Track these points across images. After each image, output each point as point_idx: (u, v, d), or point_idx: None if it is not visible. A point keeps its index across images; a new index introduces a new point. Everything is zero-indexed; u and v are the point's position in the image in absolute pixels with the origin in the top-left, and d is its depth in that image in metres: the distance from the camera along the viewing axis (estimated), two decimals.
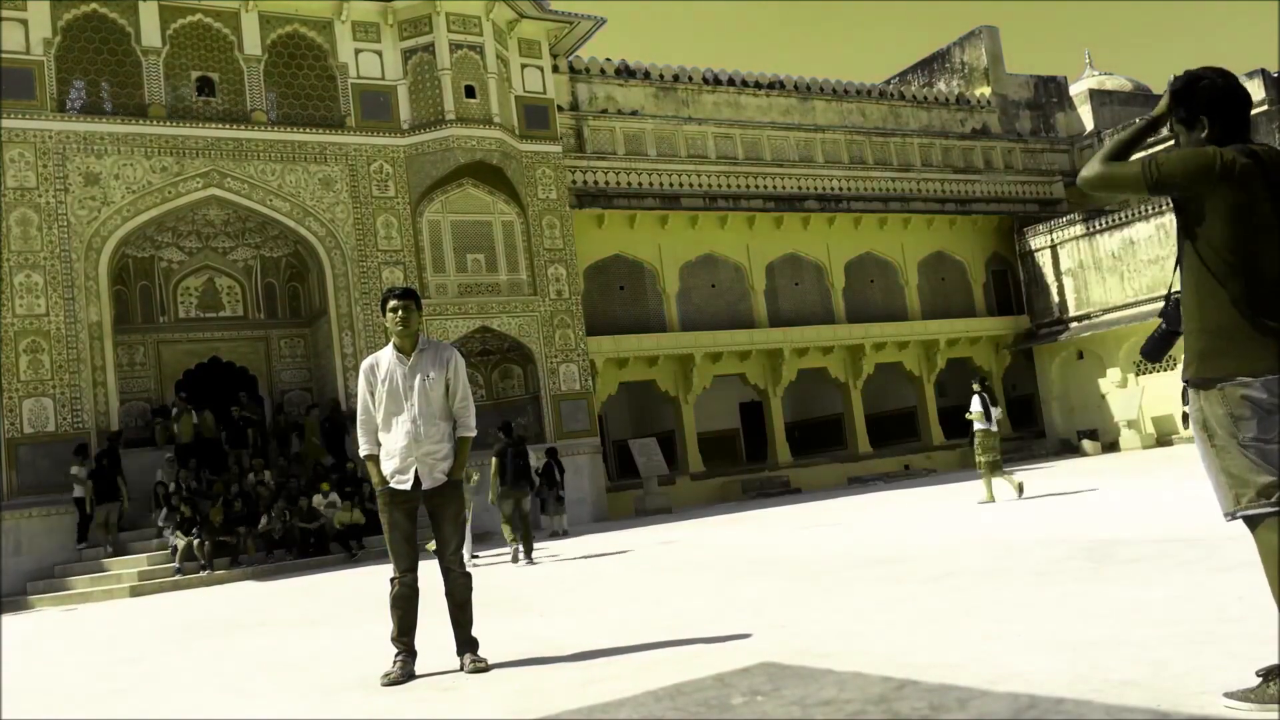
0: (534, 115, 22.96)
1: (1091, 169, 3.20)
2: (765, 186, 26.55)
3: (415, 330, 5.36)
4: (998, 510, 12.14)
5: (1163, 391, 26.06)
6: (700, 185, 25.70)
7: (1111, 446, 26.32)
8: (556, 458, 18.92)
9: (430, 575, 5.31)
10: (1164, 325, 3.33)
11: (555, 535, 17.76)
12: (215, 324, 21.34)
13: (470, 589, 5.29)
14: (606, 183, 24.63)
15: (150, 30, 19.55)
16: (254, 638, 8.02)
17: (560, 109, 24.16)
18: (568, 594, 8.52)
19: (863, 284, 28.43)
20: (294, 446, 19.77)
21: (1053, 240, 28.86)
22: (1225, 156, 3.00)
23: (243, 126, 20.03)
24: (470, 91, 21.58)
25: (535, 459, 18.89)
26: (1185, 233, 3.12)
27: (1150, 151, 3.20)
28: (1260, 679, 3.03)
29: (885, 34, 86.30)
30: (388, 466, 5.28)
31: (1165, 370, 26.25)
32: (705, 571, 9.11)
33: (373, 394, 5.35)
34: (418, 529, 5.39)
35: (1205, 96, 3.11)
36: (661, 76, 26.70)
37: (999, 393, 29.28)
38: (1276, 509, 2.98)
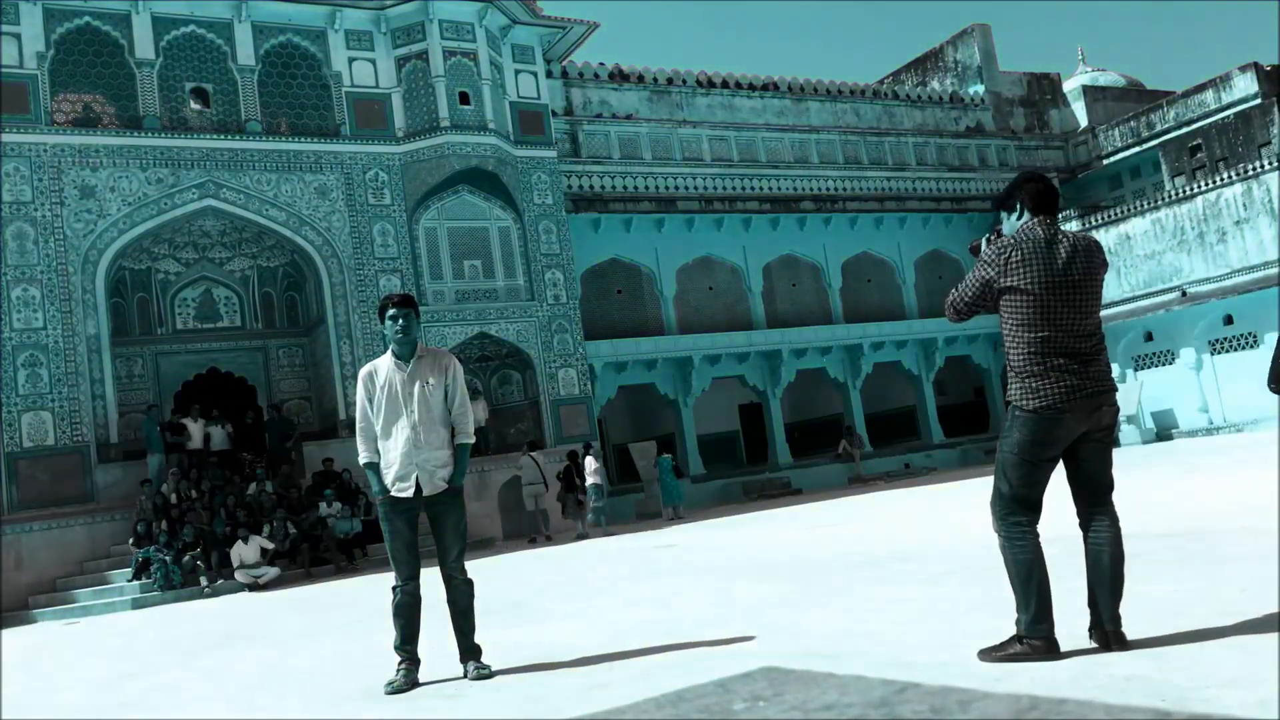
0: (528, 121, 22.98)
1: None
2: (761, 188, 26.56)
3: (415, 338, 5.37)
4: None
5: (1161, 387, 26.10)
6: (696, 188, 25.72)
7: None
8: (576, 461, 18.99)
9: (432, 583, 5.31)
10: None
11: (580, 537, 17.78)
12: (213, 335, 21.34)
13: (472, 596, 5.29)
14: (602, 187, 24.65)
15: (144, 42, 19.56)
16: (257, 649, 8.01)
17: (555, 114, 24.19)
18: (569, 599, 8.52)
19: (860, 284, 28.45)
20: None
21: None
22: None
23: (237, 137, 20.04)
24: (464, 98, 21.60)
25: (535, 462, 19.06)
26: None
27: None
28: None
29: (878, 34, 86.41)
30: (388, 474, 5.28)
31: (1164, 365, 26.27)
32: (707, 574, 9.11)
33: (371, 401, 5.35)
34: (418, 536, 5.40)
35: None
36: (655, 80, 26.73)
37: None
38: None
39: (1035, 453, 3.94)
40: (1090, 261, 3.93)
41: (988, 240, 4.11)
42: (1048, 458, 3.97)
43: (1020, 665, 3.84)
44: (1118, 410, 4.06)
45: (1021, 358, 3.91)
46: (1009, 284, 3.89)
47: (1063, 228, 3.98)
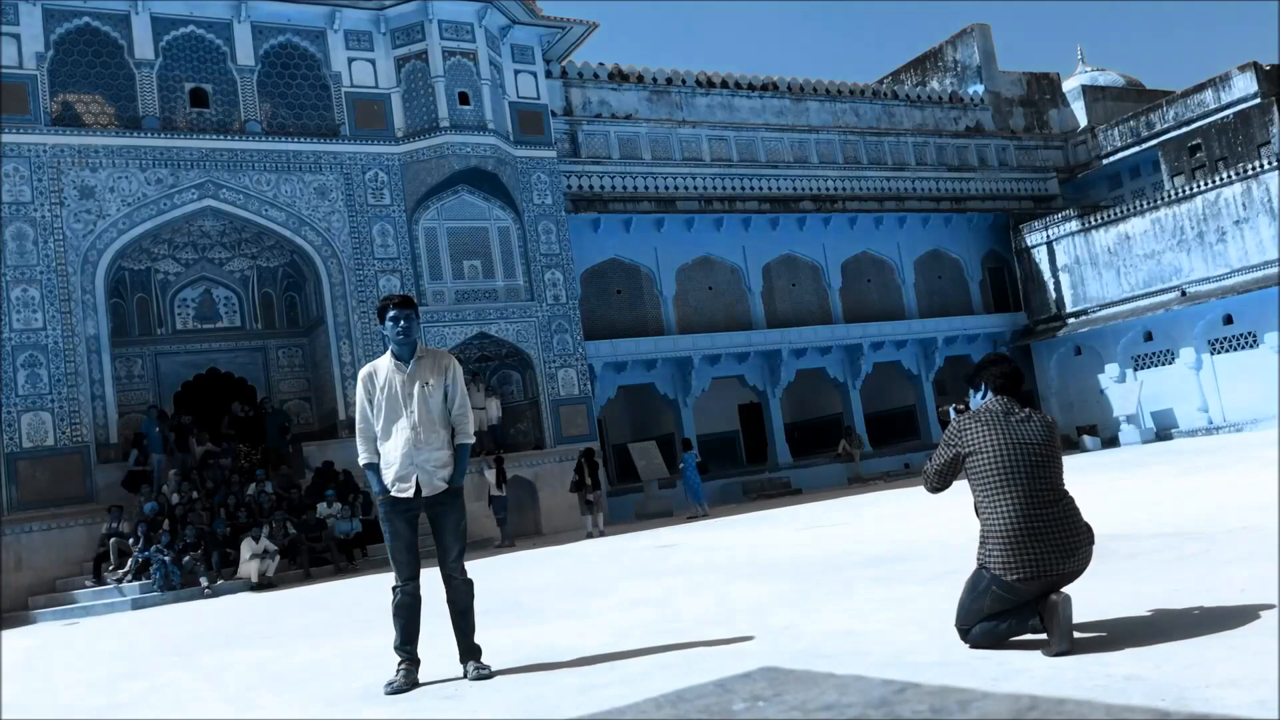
0: (528, 121, 22.98)
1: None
2: (760, 188, 26.56)
3: (415, 339, 5.37)
4: None
5: (1161, 386, 26.10)
6: (695, 188, 25.72)
7: (1111, 442, 26.33)
8: (591, 459, 19.01)
9: (432, 583, 5.31)
10: None
11: (590, 535, 17.77)
12: (213, 335, 21.34)
13: (472, 596, 5.29)
14: (602, 187, 24.65)
15: (143, 42, 19.56)
16: (256, 649, 8.01)
17: (554, 114, 24.19)
18: (569, 599, 8.52)
19: (859, 283, 28.45)
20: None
21: (1049, 236, 28.89)
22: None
23: (237, 137, 20.04)
24: (464, 98, 21.60)
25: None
26: None
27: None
28: None
29: (877, 34, 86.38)
30: (388, 475, 5.28)
31: (1164, 365, 26.26)
32: (706, 574, 9.11)
33: (371, 402, 5.35)
34: (418, 536, 5.39)
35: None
36: (655, 80, 26.72)
37: None
38: None
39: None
40: (1047, 428, 4.32)
41: (956, 410, 4.64)
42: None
43: (1020, 665, 3.84)
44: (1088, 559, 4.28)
45: (991, 522, 4.21)
46: (969, 450, 4.34)
47: (1021, 407, 4.45)
